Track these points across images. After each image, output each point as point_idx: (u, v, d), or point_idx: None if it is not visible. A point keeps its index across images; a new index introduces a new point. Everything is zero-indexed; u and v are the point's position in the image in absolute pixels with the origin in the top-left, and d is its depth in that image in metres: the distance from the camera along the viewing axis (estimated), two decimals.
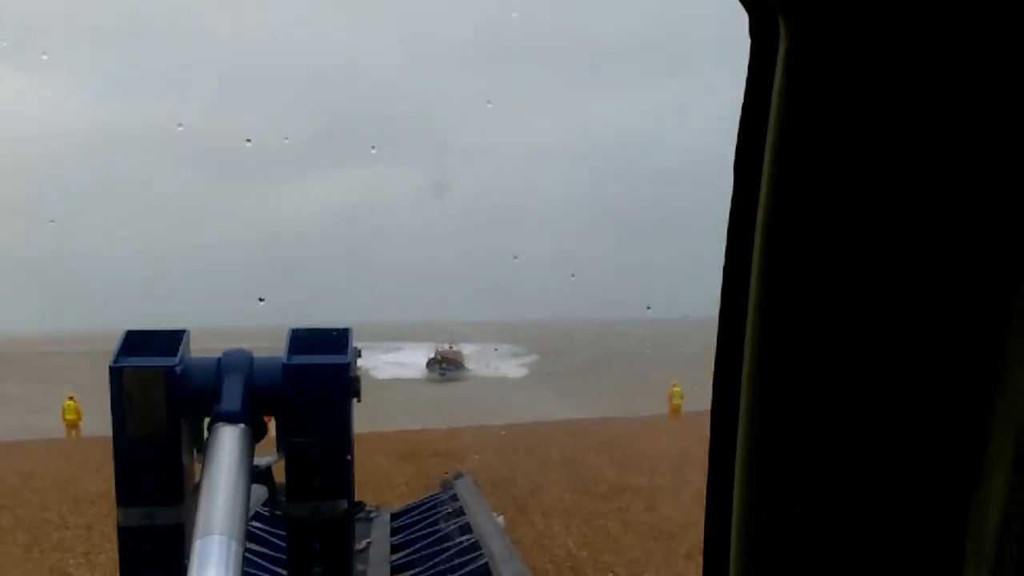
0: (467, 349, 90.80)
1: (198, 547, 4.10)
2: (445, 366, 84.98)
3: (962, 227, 1.35)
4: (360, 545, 16.06)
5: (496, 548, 14.21)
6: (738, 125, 1.57)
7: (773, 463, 1.54)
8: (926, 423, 1.41)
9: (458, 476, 20.01)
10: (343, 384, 4.90)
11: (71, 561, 20.20)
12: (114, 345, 4.89)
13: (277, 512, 5.02)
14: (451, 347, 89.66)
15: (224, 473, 4.47)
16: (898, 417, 1.42)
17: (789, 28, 1.40)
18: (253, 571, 11.26)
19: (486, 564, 13.74)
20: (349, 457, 4.96)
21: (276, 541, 10.45)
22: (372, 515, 18.50)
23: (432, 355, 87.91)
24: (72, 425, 38.14)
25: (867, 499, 1.46)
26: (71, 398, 38.66)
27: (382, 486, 25.89)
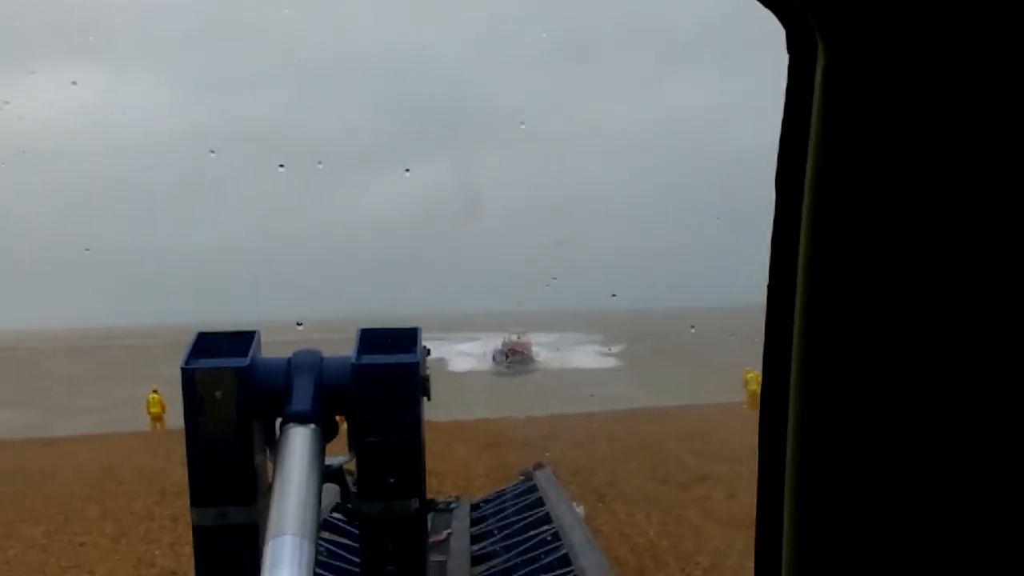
0: (535, 339, 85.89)
1: (270, 548, 4.14)
2: (513, 358, 79.35)
3: (1004, 237, 1.33)
4: (440, 536, 16.14)
5: (576, 539, 14.19)
6: (779, 140, 1.58)
7: (823, 466, 1.53)
8: (983, 423, 1.38)
9: (538, 466, 20.00)
10: (413, 383, 4.90)
11: (157, 552, 20.50)
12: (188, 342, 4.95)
13: (349, 509, 5.05)
14: (518, 337, 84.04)
15: (295, 473, 4.50)
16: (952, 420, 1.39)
17: (827, 45, 1.40)
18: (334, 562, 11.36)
19: (566, 555, 13.73)
20: (421, 456, 4.97)
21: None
22: (452, 506, 18.57)
23: (499, 346, 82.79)
24: (157, 418, 38.59)
25: (923, 506, 1.44)
26: (155, 391, 39.12)
27: (462, 476, 25.98)
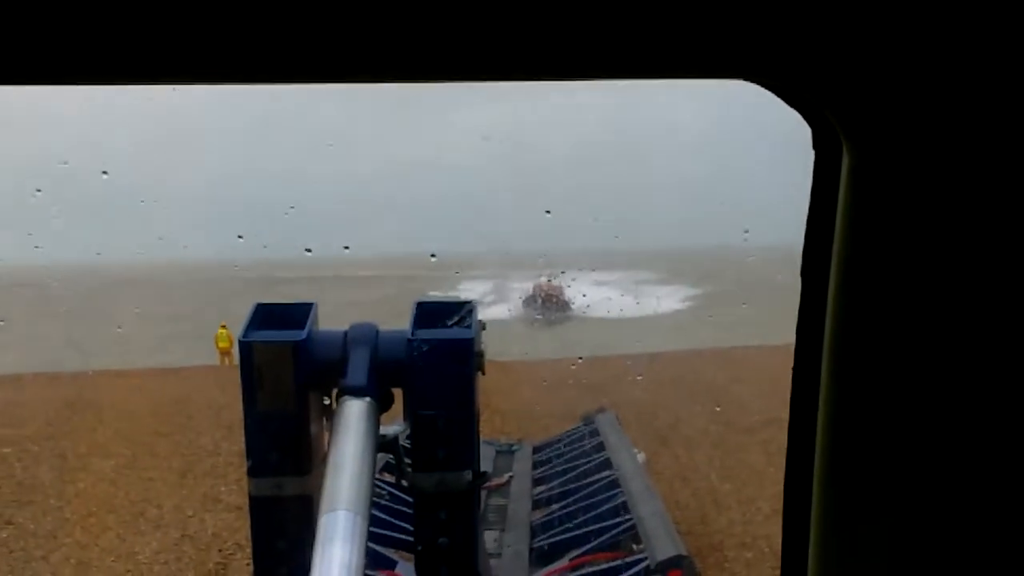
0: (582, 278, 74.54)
1: (324, 522, 4.19)
2: (548, 304, 66.86)
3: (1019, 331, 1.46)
4: (502, 479, 16.27)
5: (635, 487, 14.24)
6: (804, 231, 1.70)
7: (851, 472, 1.65)
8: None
9: (600, 410, 20.00)
10: (467, 358, 4.92)
11: (223, 488, 20.84)
12: (246, 315, 4.99)
13: (403, 483, 5.10)
14: (549, 280, 69.08)
15: (350, 447, 4.55)
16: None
17: (851, 146, 1.48)
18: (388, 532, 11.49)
19: (624, 503, 13.79)
20: (474, 429, 5.00)
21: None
22: (514, 448, 18.71)
23: (530, 292, 69.06)
24: (225, 352, 38.87)
25: (952, 513, 1.56)
26: (223, 326, 39.41)
27: (524, 417, 26.03)
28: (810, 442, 1.72)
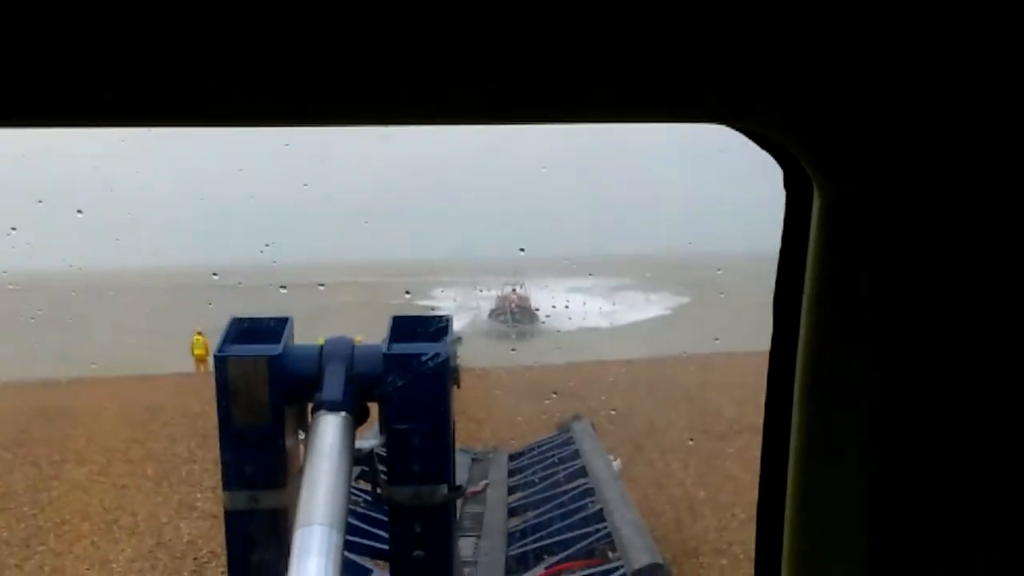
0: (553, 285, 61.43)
1: (299, 536, 4.20)
2: (516, 315, 59.17)
3: (998, 365, 1.51)
4: (478, 487, 16.28)
5: (611, 495, 14.27)
6: (776, 267, 1.74)
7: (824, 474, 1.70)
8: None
9: (575, 418, 20.04)
10: (442, 373, 4.93)
11: (199, 495, 20.78)
12: (222, 329, 5.00)
13: (379, 494, 5.11)
14: (515, 290, 63.91)
15: (325, 462, 4.55)
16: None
17: (821, 187, 1.54)
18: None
19: (600, 511, 13.81)
20: (450, 443, 5.02)
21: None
22: (489, 456, 18.72)
23: (495, 305, 62.88)
24: (201, 360, 38.63)
25: (930, 512, 1.61)
26: (199, 333, 39.21)
27: (500, 424, 26.02)
28: (783, 469, 1.75)
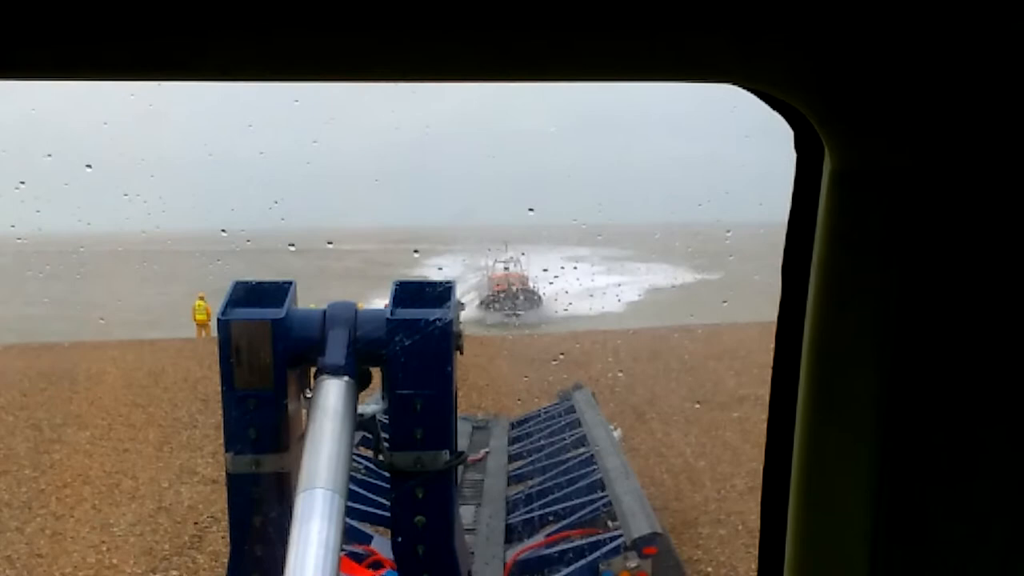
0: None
1: (301, 500, 4.20)
2: (516, 301, 49.71)
3: (995, 325, 1.52)
4: (478, 455, 16.33)
5: (611, 464, 14.31)
6: (786, 231, 1.73)
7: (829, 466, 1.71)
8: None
9: (577, 387, 20.09)
10: (446, 338, 4.92)
11: (199, 460, 20.88)
12: (224, 295, 4.98)
13: (380, 460, 5.10)
14: (507, 268, 53.94)
15: (327, 426, 4.55)
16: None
17: (832, 151, 1.51)
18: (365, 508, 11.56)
19: (600, 480, 13.86)
20: (452, 409, 5.01)
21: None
22: (491, 424, 18.78)
23: (486, 288, 52.24)
24: (202, 325, 38.72)
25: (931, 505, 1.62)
26: (201, 297, 39.29)
27: (502, 391, 26.11)
28: (788, 438, 1.75)
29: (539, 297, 49.96)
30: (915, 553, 1.64)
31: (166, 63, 1.41)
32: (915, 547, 1.64)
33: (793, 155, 1.67)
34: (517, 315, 47.90)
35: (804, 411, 1.69)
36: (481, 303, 50.09)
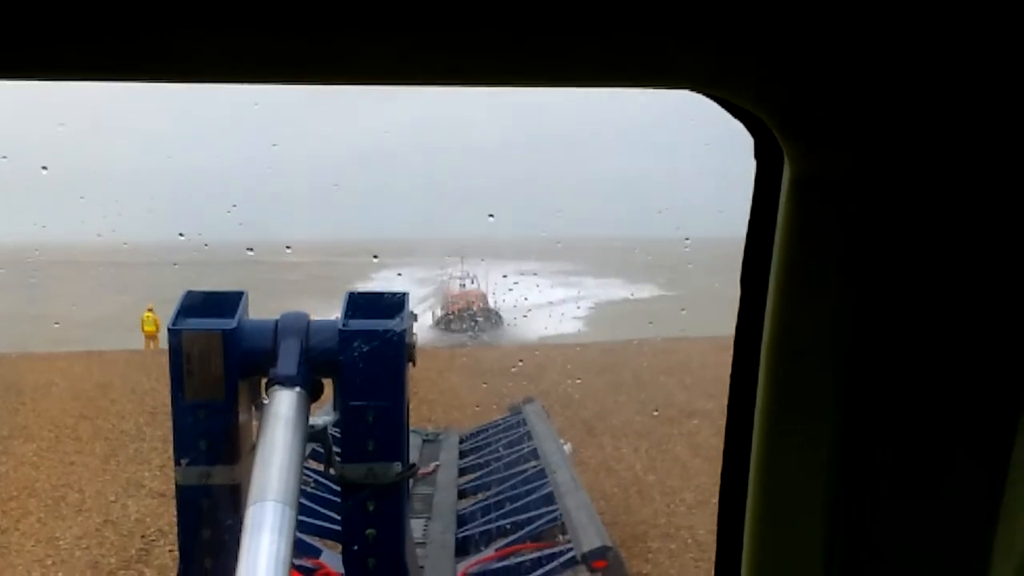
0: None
1: (252, 512, 4.18)
2: (475, 319, 47.33)
3: (960, 343, 1.54)
4: (428, 469, 16.28)
5: (562, 478, 14.31)
6: (745, 238, 1.73)
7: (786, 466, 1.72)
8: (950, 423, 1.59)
9: (527, 401, 20.06)
10: (398, 349, 4.92)
11: (147, 473, 20.69)
12: (176, 303, 4.95)
13: (331, 472, 5.09)
14: (464, 285, 51.40)
15: (279, 438, 4.53)
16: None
17: (792, 158, 1.52)
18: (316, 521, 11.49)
19: (551, 493, 13.85)
20: (404, 421, 5.01)
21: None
22: (441, 437, 18.73)
23: (441, 308, 49.43)
24: (151, 337, 38.31)
25: (889, 506, 1.65)
26: (150, 310, 38.90)
27: (453, 405, 26.05)
28: (746, 445, 1.77)
29: (500, 316, 47.45)
30: (870, 562, 1.67)
31: (157, 64, 1.41)
32: (870, 557, 1.66)
33: (752, 164, 1.68)
34: (476, 336, 45.54)
35: (761, 417, 1.70)
36: (436, 323, 47.66)
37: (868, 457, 1.61)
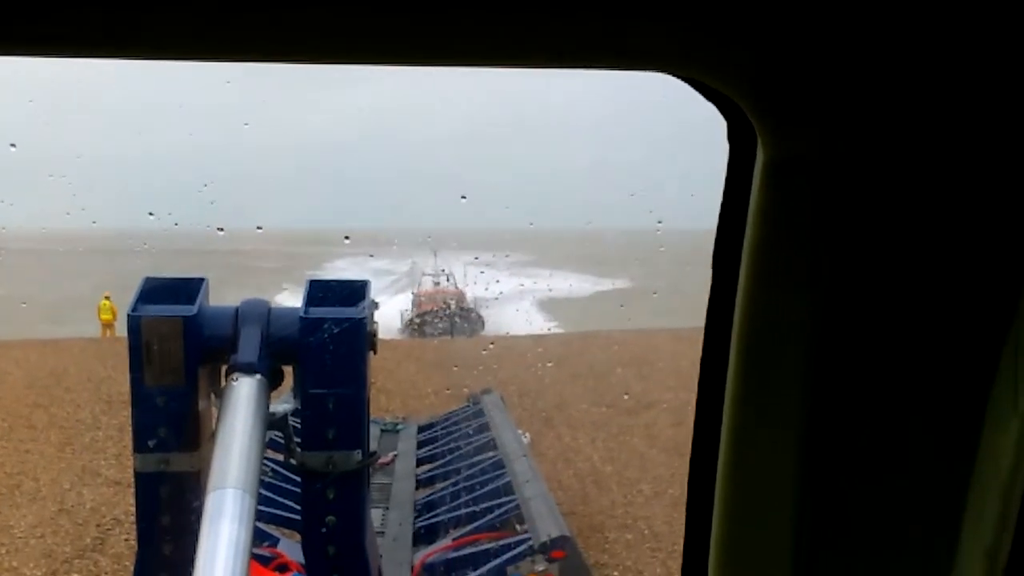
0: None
1: (212, 500, 4.16)
2: (454, 319, 43.73)
3: (933, 328, 1.56)
4: (387, 459, 16.28)
5: (520, 468, 14.34)
6: (718, 221, 1.73)
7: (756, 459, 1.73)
8: (921, 410, 1.60)
9: (485, 391, 20.08)
10: (359, 337, 4.91)
11: (102, 462, 20.53)
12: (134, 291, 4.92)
13: (292, 461, 5.08)
14: (438, 283, 47.92)
15: (239, 425, 4.51)
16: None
17: (765, 142, 1.53)
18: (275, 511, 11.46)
19: (509, 483, 13.88)
20: (364, 409, 5.00)
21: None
22: (399, 427, 18.71)
23: (410, 308, 45.83)
24: (107, 324, 38.03)
25: (859, 495, 1.66)
26: (107, 297, 38.63)
27: (410, 395, 26.05)
28: (715, 433, 1.77)
29: (479, 316, 44.15)
30: (839, 550, 1.68)
31: (130, 40, 1.40)
32: (839, 545, 1.68)
33: (725, 146, 1.69)
34: (457, 335, 41.68)
35: (732, 398, 1.71)
36: (405, 326, 44.46)
37: (838, 440, 1.62)
